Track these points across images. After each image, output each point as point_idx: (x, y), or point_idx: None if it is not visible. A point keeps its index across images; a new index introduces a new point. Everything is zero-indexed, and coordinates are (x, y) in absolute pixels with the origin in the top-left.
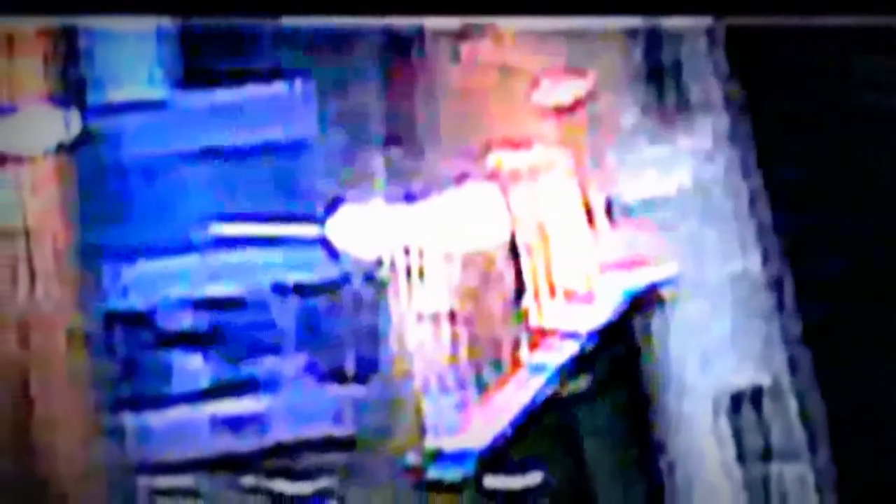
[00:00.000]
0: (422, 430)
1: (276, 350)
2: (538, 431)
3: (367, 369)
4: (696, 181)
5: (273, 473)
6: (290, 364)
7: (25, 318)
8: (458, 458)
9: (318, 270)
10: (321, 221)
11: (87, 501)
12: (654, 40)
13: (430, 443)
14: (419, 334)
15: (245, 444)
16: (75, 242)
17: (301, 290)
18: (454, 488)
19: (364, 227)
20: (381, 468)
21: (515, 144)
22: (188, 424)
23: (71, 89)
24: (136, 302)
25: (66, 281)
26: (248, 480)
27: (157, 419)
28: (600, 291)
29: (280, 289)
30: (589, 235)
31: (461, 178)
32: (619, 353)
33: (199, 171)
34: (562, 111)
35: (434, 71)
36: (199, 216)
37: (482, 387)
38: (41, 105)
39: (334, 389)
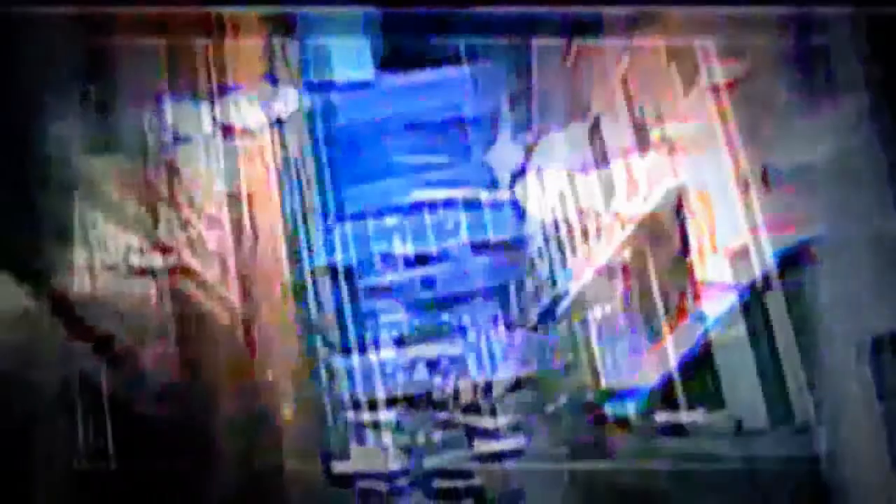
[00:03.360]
0: (598, 372)
1: (469, 300)
2: (701, 373)
3: (550, 318)
4: (840, 151)
5: (466, 409)
6: (481, 313)
7: (247, 273)
8: (631, 396)
9: (507, 230)
10: (509, 187)
11: (303, 433)
12: (803, 27)
13: (606, 383)
14: (596, 287)
15: (442, 383)
16: (291, 205)
17: (491, 247)
18: (627, 423)
19: (547, 192)
20: (562, 405)
21: (682, 119)
22: (391, 366)
23: (288, 70)
24: (346, 257)
25: (283, 239)
26: (444, 416)
27: (363, 361)
28: (756, 249)
29: (473, 246)
30: (746, 199)
31: (633, 148)
32: (773, 304)
33: (402, 142)
34: (722, 89)
35: (609, 54)
36: (402, 182)
37: (652, 333)
38: (262, 84)
39: (521, 335)
